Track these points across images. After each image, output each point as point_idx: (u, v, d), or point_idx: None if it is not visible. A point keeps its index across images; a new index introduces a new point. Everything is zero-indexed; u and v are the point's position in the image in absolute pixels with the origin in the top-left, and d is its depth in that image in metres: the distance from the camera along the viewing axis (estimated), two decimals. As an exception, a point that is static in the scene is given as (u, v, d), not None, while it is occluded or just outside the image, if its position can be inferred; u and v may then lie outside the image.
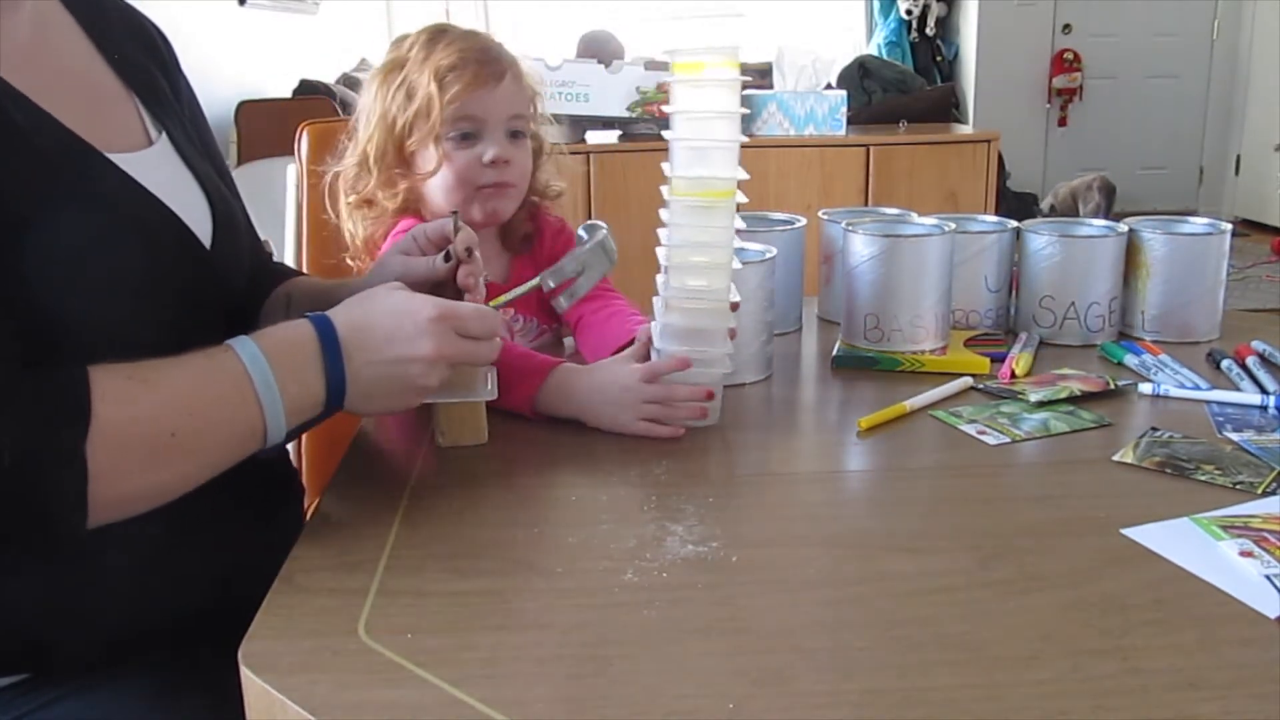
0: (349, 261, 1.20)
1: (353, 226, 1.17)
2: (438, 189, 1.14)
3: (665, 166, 0.91)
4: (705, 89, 0.89)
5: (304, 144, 1.37)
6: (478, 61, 1.11)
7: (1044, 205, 5.30)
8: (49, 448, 0.62)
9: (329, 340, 0.74)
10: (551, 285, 0.98)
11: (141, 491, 0.67)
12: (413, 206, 1.16)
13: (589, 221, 1.02)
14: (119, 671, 0.75)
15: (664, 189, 0.92)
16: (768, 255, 1.06)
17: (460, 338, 0.78)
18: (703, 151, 0.90)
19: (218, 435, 0.70)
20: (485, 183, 1.13)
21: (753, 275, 1.03)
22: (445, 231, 0.89)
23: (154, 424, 0.66)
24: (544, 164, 1.24)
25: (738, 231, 0.92)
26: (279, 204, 1.42)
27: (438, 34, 1.14)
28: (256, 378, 0.70)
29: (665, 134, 0.91)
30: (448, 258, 0.88)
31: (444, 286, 0.89)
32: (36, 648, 0.75)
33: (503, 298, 0.95)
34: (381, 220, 1.16)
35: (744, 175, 0.90)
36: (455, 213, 0.91)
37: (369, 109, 1.15)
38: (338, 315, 0.76)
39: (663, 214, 0.93)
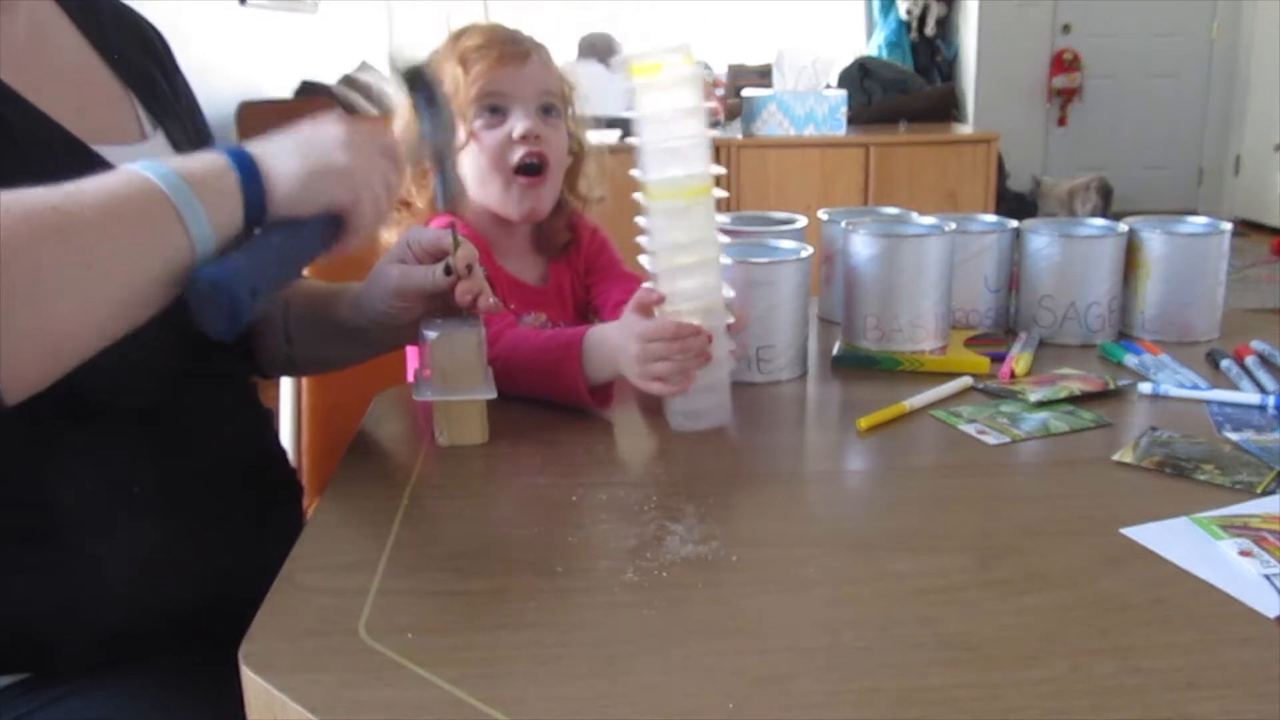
0: None
1: (387, 232, 1.13)
2: (472, 179, 1.12)
3: (635, 173, 0.90)
4: (667, 89, 0.87)
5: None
6: (502, 42, 1.11)
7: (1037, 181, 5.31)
8: None
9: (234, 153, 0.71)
10: (440, 198, 0.95)
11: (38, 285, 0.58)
12: None
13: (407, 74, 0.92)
14: (119, 671, 0.75)
15: (638, 195, 0.90)
16: (804, 253, 1.06)
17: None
18: (673, 151, 0.88)
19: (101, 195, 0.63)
20: (517, 161, 1.11)
21: (790, 273, 1.03)
22: (441, 243, 0.86)
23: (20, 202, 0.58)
24: (585, 168, 1.22)
25: (732, 231, 0.91)
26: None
27: (465, 28, 1.15)
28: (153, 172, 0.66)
29: (631, 140, 0.89)
30: (448, 271, 0.85)
31: (444, 299, 0.87)
32: (37, 647, 0.75)
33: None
34: (419, 224, 1.12)
35: (718, 170, 0.89)
36: (453, 224, 0.88)
37: (403, 106, 1.11)
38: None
39: (640, 221, 0.91)
